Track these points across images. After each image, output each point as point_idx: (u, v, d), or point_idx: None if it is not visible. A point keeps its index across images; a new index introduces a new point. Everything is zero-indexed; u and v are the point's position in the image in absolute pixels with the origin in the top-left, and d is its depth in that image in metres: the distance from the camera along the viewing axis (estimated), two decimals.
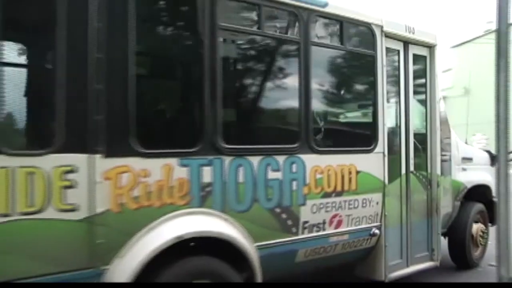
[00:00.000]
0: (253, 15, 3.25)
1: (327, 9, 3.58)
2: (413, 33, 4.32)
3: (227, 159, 2.95)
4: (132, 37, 2.62)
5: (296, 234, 3.31)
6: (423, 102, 4.62)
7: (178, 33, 3.39)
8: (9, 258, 2.22)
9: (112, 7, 2.57)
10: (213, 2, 2.93)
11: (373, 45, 3.93)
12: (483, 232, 5.31)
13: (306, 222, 3.36)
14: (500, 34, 2.97)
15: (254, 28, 3.26)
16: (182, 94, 3.57)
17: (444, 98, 24.56)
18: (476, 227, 5.23)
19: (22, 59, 2.86)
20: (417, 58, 4.47)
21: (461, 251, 5.11)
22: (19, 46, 2.81)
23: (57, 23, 2.39)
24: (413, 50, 4.41)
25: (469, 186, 5.12)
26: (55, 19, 2.39)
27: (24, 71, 2.88)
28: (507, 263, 2.99)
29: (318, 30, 3.62)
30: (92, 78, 2.47)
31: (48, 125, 2.55)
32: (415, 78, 4.45)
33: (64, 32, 2.40)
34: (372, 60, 3.92)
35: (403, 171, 4.28)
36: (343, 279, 4.24)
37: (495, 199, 3.22)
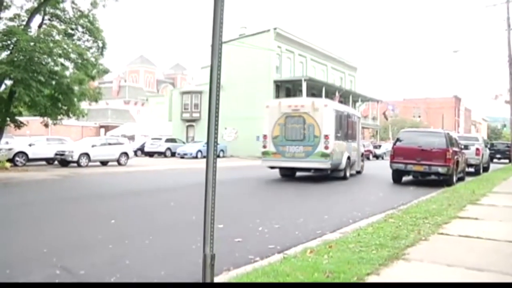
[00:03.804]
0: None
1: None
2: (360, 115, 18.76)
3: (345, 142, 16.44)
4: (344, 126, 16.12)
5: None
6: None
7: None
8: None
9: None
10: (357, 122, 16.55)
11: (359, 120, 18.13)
12: (363, 162, 19.98)
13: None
14: (214, 36, 3.07)
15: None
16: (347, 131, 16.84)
17: (201, 92, 40.92)
18: (362, 163, 19.78)
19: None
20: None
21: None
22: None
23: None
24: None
25: (361, 152, 19.74)
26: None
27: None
28: (210, 241, 3.08)
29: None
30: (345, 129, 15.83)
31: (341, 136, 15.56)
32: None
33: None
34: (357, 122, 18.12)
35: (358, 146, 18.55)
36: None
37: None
